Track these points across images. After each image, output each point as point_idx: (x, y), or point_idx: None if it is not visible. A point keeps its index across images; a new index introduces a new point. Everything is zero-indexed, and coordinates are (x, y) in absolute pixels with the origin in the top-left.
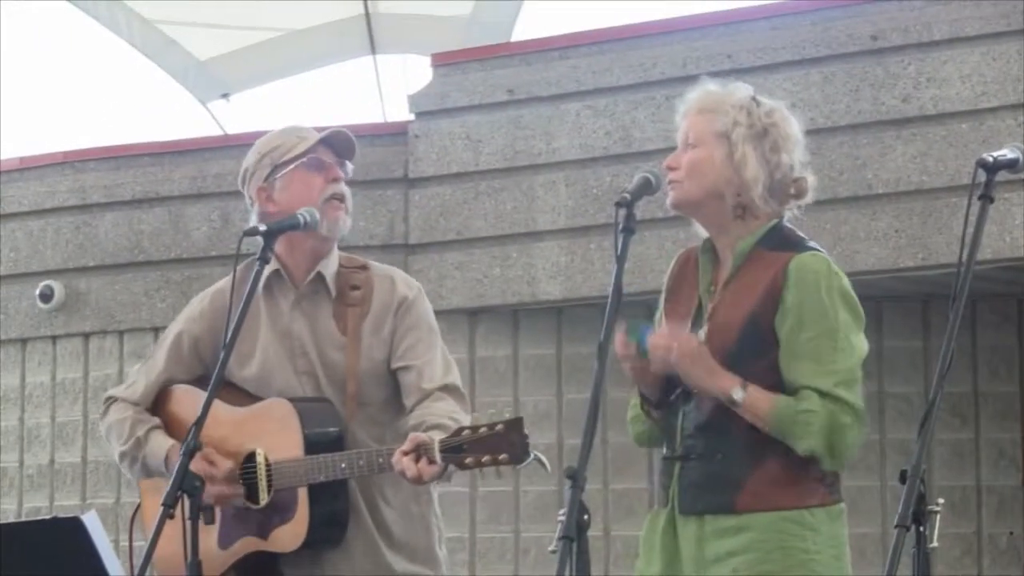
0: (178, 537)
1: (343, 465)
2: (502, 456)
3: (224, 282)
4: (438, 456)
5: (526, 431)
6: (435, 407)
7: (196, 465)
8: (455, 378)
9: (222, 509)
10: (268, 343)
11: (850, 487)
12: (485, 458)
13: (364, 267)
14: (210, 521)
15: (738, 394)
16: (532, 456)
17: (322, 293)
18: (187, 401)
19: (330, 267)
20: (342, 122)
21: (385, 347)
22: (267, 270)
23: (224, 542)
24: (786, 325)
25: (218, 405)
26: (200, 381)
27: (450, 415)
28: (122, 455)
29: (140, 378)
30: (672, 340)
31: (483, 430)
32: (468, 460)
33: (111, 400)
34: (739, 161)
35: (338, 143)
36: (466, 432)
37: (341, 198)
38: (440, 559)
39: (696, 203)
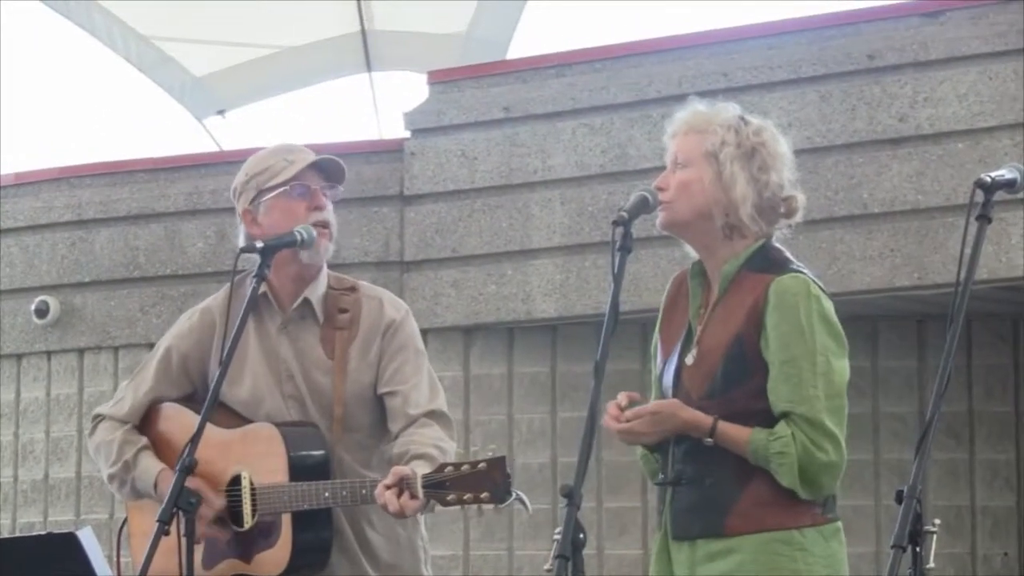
0: (168, 552)
1: (327, 495)
2: (484, 495)
3: (211, 300)
4: (420, 491)
5: (508, 471)
6: (420, 434)
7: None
8: (441, 403)
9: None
10: (256, 366)
11: (845, 507)
12: (467, 496)
13: (353, 288)
14: (196, 540)
15: (707, 442)
16: (514, 496)
17: (309, 318)
18: (176, 420)
19: (318, 290)
20: (338, 139)
21: (372, 371)
22: (245, 292)
23: (208, 562)
24: (768, 350)
25: (208, 426)
26: (189, 399)
27: (435, 443)
28: (111, 477)
29: (128, 394)
30: (623, 424)
31: (466, 467)
32: (450, 497)
33: (99, 419)
34: (727, 181)
35: (327, 167)
36: (449, 469)
37: (324, 225)
38: None
39: (685, 224)
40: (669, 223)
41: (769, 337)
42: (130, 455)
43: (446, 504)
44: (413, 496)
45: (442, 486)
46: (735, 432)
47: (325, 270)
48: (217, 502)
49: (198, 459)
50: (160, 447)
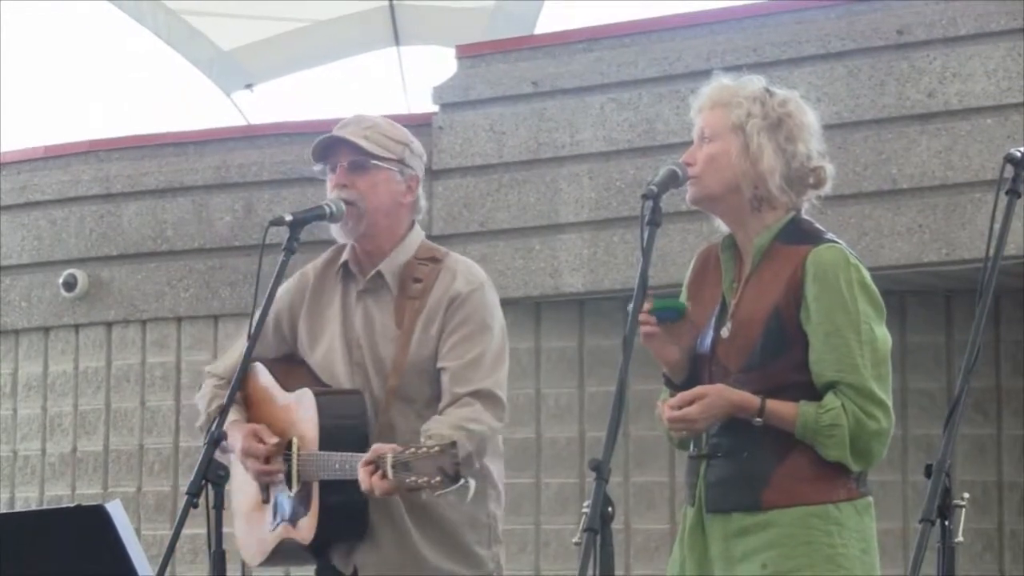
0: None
1: (336, 465)
2: (436, 479)
3: (313, 263)
4: (390, 471)
5: (456, 456)
6: (452, 413)
7: (246, 442)
8: (493, 383)
9: (273, 490)
10: (332, 333)
11: (872, 482)
12: (423, 480)
13: (435, 259)
14: (266, 500)
15: (756, 422)
16: (462, 482)
17: (384, 288)
18: (263, 380)
19: (397, 260)
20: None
21: (433, 343)
22: (340, 259)
23: (272, 524)
24: (810, 320)
25: (275, 388)
26: (289, 358)
27: (460, 423)
28: (200, 428)
29: (232, 352)
30: (677, 412)
31: (423, 451)
32: (409, 480)
33: (206, 375)
34: (755, 153)
35: (318, 152)
36: (411, 451)
37: (347, 202)
38: (482, 559)
39: (715, 198)
40: (698, 197)
41: (811, 308)
42: (213, 408)
43: (407, 487)
44: (383, 476)
45: (407, 467)
46: (783, 409)
47: (412, 240)
48: (270, 441)
49: (267, 417)
50: (251, 406)
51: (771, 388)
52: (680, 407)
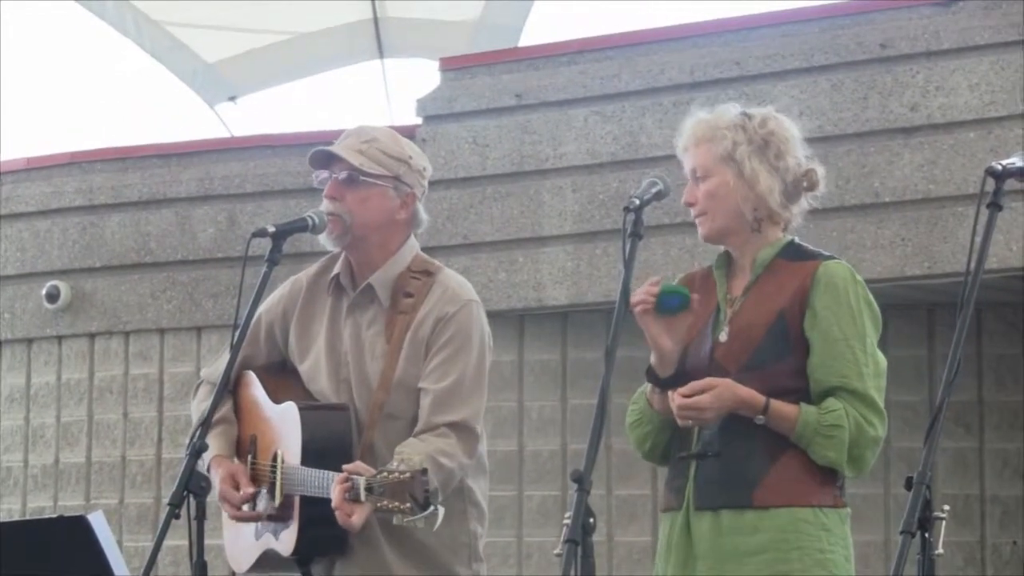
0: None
1: (315, 483)
2: (406, 505)
3: (307, 270)
4: (363, 494)
5: (427, 484)
6: (428, 442)
7: (223, 486)
8: (470, 414)
9: (259, 501)
10: (320, 346)
11: (854, 495)
12: (394, 504)
13: (428, 272)
14: (252, 510)
15: (759, 420)
16: (432, 508)
17: (375, 302)
18: (252, 389)
19: (389, 273)
20: (349, 126)
21: (420, 361)
22: (333, 269)
23: (257, 533)
24: (817, 327)
25: (264, 398)
26: (282, 367)
27: (434, 455)
28: (189, 442)
29: (221, 357)
30: (689, 400)
31: (395, 475)
32: (380, 504)
33: (200, 383)
34: (750, 177)
35: (314, 161)
36: (382, 475)
37: (329, 214)
38: None
39: (725, 229)
40: (711, 234)
41: (818, 316)
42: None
43: (377, 511)
44: (355, 499)
45: (380, 491)
46: (785, 409)
47: (405, 253)
48: (245, 491)
49: (256, 428)
50: (241, 414)
51: (769, 391)
52: (691, 395)
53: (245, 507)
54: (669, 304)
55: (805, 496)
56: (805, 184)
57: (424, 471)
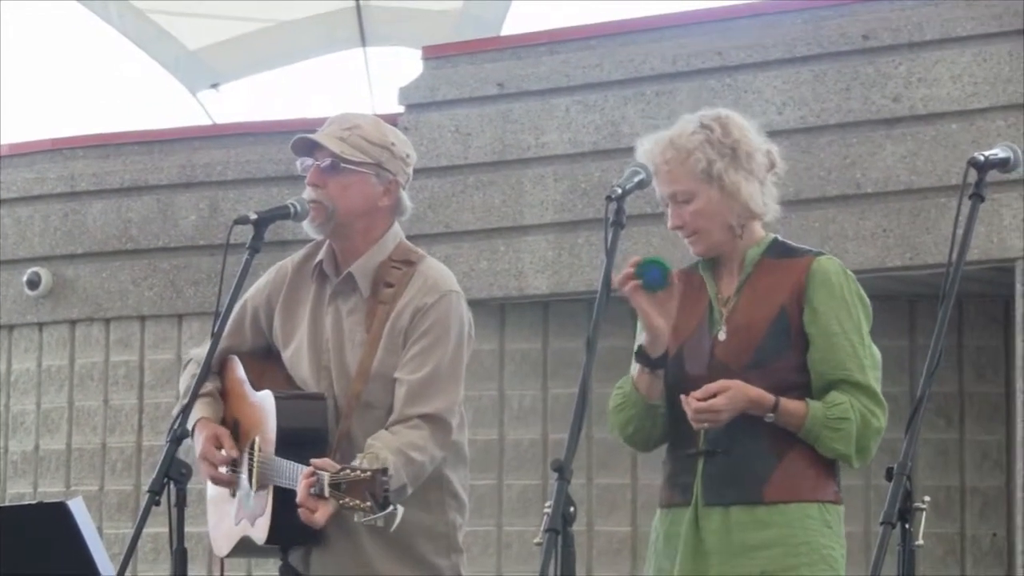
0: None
1: (286, 474)
2: (367, 503)
3: (292, 257)
4: (327, 490)
5: (386, 484)
6: (400, 435)
7: (205, 444)
8: (443, 406)
9: (239, 486)
10: (302, 334)
11: None
12: (355, 501)
13: (410, 262)
14: (233, 494)
15: (769, 418)
16: (391, 508)
17: (356, 291)
18: (234, 374)
19: (370, 261)
20: (331, 114)
21: (399, 352)
22: (317, 256)
23: (236, 518)
24: (816, 322)
25: (247, 384)
26: (267, 353)
27: (405, 449)
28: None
29: (209, 340)
30: (705, 403)
31: (357, 473)
32: (343, 501)
33: (189, 360)
34: (732, 189)
35: (296, 148)
36: (346, 471)
37: (311, 201)
38: (439, 568)
39: (719, 244)
40: (706, 250)
41: (817, 311)
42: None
43: (341, 508)
44: (319, 495)
45: (339, 488)
46: (793, 406)
47: (388, 241)
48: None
49: (239, 414)
50: (227, 398)
51: (774, 387)
52: (705, 399)
53: (223, 470)
54: (651, 275)
55: (811, 491)
56: (767, 164)
57: (385, 471)
